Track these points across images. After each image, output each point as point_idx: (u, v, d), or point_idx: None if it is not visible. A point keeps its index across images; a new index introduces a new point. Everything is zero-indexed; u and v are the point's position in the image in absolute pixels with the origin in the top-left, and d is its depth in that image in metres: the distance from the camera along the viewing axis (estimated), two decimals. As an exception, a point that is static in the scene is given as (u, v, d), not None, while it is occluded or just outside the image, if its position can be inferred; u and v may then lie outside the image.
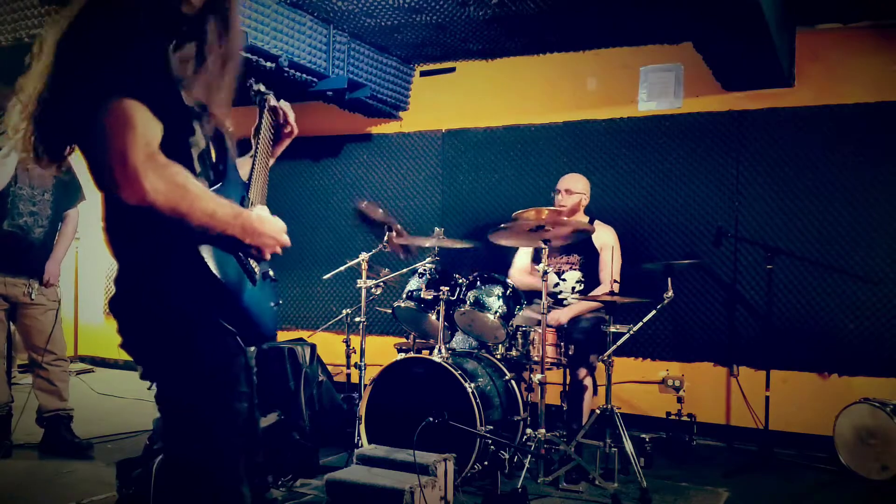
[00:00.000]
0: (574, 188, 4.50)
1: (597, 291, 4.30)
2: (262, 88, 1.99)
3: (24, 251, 4.05)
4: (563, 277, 4.45)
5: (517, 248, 4.76)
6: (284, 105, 2.04)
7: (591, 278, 4.44)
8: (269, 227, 1.69)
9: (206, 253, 1.60)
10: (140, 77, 1.49)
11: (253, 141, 1.94)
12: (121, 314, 1.69)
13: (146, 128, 1.47)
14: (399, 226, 4.20)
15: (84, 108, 1.48)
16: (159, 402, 1.71)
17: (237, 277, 1.68)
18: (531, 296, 4.23)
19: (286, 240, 1.74)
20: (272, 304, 1.84)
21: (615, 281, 4.23)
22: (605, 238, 4.45)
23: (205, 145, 1.70)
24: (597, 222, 4.55)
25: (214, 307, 1.65)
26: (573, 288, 4.45)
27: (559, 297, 4.45)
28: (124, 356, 6.97)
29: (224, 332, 1.68)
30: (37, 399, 4.19)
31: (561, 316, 4.21)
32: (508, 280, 4.00)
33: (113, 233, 1.68)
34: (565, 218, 3.95)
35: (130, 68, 1.49)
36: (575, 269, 4.46)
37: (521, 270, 4.68)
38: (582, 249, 4.45)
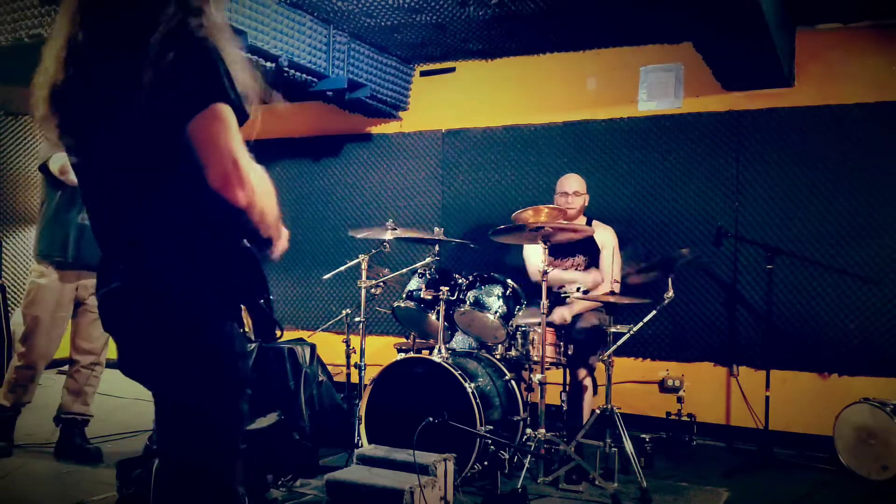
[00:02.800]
0: (581, 189, 4.50)
1: (597, 291, 4.30)
2: None
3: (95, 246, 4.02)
4: None
5: (521, 248, 4.76)
6: None
7: None
8: (285, 233, 1.76)
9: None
10: (232, 85, 1.54)
11: None
12: (133, 307, 1.63)
13: (238, 129, 1.53)
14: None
15: (178, 114, 1.50)
16: (165, 401, 1.70)
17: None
18: (532, 294, 4.21)
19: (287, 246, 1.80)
20: None
21: (616, 281, 4.23)
22: (605, 237, 4.46)
23: None
24: (595, 222, 4.55)
25: (252, 291, 1.68)
26: (578, 288, 4.44)
27: (562, 296, 4.45)
28: (124, 356, 6.98)
29: (243, 332, 1.69)
30: (61, 398, 4.15)
31: (566, 313, 4.20)
32: (508, 280, 4.00)
33: (140, 223, 1.63)
34: (563, 222, 3.95)
35: (223, 73, 1.53)
36: (580, 271, 4.47)
37: (537, 273, 4.67)
38: (586, 250, 4.46)
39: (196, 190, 1.53)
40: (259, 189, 1.53)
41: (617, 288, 4.32)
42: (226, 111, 1.51)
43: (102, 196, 1.69)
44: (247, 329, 1.71)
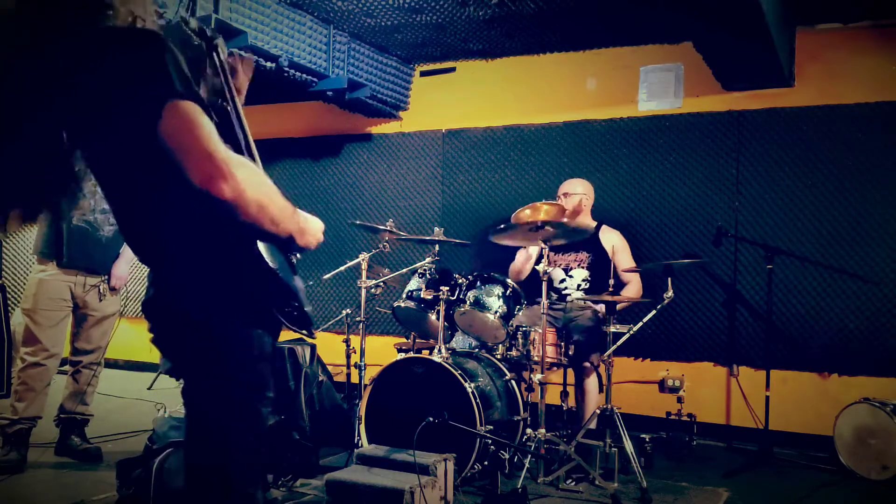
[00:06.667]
0: (572, 190, 4.53)
1: (626, 291, 4.39)
2: (207, 30, 1.77)
3: (92, 248, 3.94)
4: (570, 274, 4.46)
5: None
6: (246, 60, 1.92)
7: (597, 277, 4.43)
8: (312, 224, 1.69)
9: (262, 249, 1.59)
10: (181, 77, 1.47)
11: (229, 107, 1.77)
12: (158, 316, 1.67)
13: (209, 123, 1.46)
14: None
15: (140, 122, 1.43)
16: (189, 405, 1.70)
17: (288, 270, 1.68)
18: (532, 293, 4.21)
19: (322, 237, 1.73)
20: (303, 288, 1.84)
21: (634, 269, 4.26)
22: (612, 240, 4.47)
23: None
24: (604, 227, 4.58)
25: (273, 301, 1.65)
26: (578, 286, 4.44)
27: (563, 293, 4.45)
28: (124, 356, 6.97)
29: (261, 334, 1.67)
30: (61, 398, 4.13)
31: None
32: (508, 280, 4.01)
33: (148, 234, 1.64)
34: (565, 220, 3.95)
35: (172, 69, 1.46)
36: (582, 268, 4.47)
37: (513, 270, 4.69)
38: (591, 248, 4.46)
39: (196, 202, 1.46)
40: (248, 180, 1.45)
41: (638, 281, 4.43)
42: (186, 106, 1.43)
43: (116, 213, 1.71)
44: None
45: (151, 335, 1.71)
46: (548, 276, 3.75)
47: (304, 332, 1.72)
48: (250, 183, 1.45)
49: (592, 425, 3.91)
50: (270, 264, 1.60)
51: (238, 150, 1.66)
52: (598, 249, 4.47)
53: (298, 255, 1.74)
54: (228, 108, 1.74)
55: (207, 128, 1.44)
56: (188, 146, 1.41)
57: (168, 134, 1.41)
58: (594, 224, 4.58)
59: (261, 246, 1.60)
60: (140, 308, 1.57)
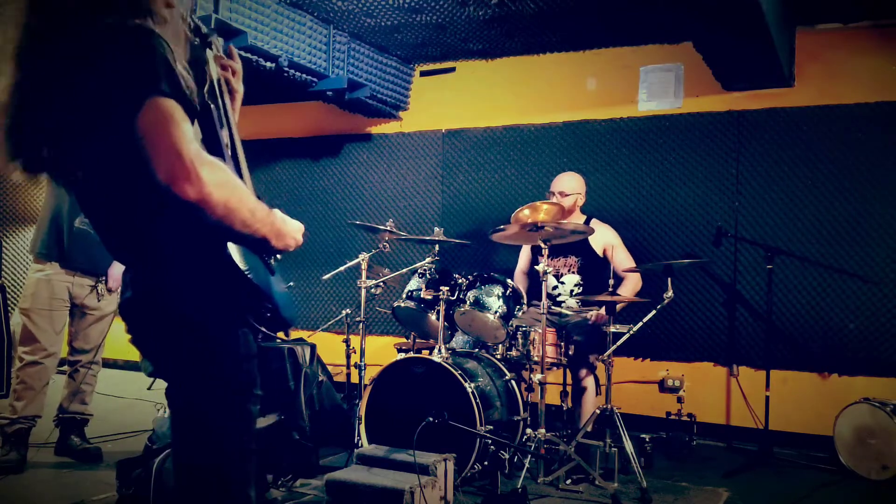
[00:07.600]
0: (568, 189, 4.43)
1: (623, 288, 4.30)
2: (203, 27, 1.78)
3: (92, 249, 3.92)
4: (561, 280, 4.44)
5: (521, 248, 4.76)
6: (234, 58, 1.90)
7: (589, 281, 4.40)
8: (290, 226, 1.68)
9: (234, 251, 1.58)
10: (167, 75, 1.47)
11: (213, 106, 1.74)
12: (139, 316, 1.67)
13: (186, 122, 1.46)
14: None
15: (116, 110, 1.45)
16: (172, 404, 1.70)
17: (263, 272, 1.67)
18: (532, 294, 4.21)
19: (301, 239, 1.72)
20: (284, 288, 1.82)
21: (634, 269, 4.22)
22: (606, 238, 4.41)
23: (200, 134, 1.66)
24: (594, 221, 4.49)
25: (246, 305, 1.64)
26: (572, 291, 4.42)
27: (557, 299, 4.42)
28: (124, 356, 6.97)
29: (247, 332, 1.67)
30: (60, 398, 4.13)
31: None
32: (508, 280, 4.00)
33: (128, 234, 1.64)
34: (564, 221, 3.94)
35: (160, 66, 1.46)
36: (573, 273, 4.42)
37: (519, 273, 4.70)
38: (580, 251, 4.41)
39: (174, 201, 1.45)
40: (215, 181, 1.44)
41: (638, 279, 4.37)
42: (165, 104, 1.43)
43: (92, 212, 1.69)
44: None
45: (130, 336, 1.70)
46: (547, 276, 3.75)
47: (279, 333, 1.72)
48: (217, 185, 1.45)
49: (590, 427, 3.91)
50: (241, 266, 1.58)
51: (218, 151, 1.65)
52: (587, 251, 4.40)
53: (278, 257, 1.72)
54: (213, 107, 1.72)
55: (182, 127, 1.44)
56: (158, 143, 1.42)
57: (143, 130, 1.42)
58: (584, 218, 4.52)
59: (232, 247, 1.58)
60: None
